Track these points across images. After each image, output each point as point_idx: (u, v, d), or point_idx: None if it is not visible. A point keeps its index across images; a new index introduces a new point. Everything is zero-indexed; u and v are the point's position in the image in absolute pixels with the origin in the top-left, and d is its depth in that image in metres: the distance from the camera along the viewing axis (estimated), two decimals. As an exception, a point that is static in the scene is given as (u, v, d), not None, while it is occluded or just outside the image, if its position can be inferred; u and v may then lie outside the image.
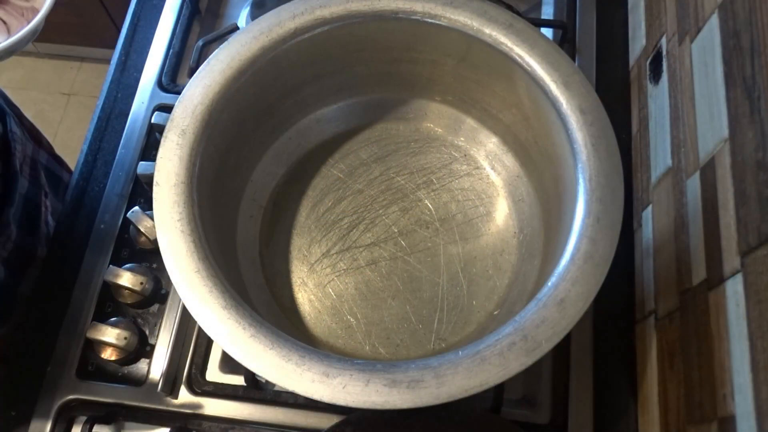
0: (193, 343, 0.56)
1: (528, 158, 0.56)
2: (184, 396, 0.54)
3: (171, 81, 0.67)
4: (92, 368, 0.55)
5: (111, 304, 0.57)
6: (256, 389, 0.54)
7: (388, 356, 0.53)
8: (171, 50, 0.68)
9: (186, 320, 0.56)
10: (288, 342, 0.40)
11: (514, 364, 0.39)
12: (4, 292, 0.60)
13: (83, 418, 0.53)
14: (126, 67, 0.68)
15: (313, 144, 0.60)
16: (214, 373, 0.56)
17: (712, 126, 0.44)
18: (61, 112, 1.55)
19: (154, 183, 0.45)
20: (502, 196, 0.58)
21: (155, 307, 0.57)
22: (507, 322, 0.41)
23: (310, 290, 0.55)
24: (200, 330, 0.56)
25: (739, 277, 0.38)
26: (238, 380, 0.55)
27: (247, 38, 0.49)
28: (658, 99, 0.56)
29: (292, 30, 0.50)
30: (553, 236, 0.50)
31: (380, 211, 0.58)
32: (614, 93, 0.64)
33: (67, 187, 0.70)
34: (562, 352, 0.55)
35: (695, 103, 0.47)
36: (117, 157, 0.63)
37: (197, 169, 0.46)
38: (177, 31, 0.69)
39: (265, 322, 0.42)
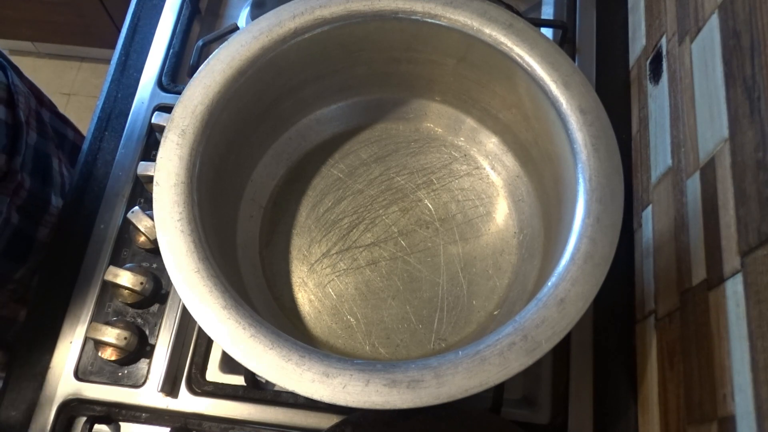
0: (193, 343, 0.56)
1: (528, 158, 0.56)
2: (184, 396, 0.54)
3: (171, 81, 0.67)
4: (92, 368, 0.55)
5: (111, 304, 0.57)
6: (256, 389, 0.54)
7: (388, 356, 0.53)
8: (171, 50, 0.68)
9: (186, 320, 0.56)
10: (288, 342, 0.40)
11: (514, 364, 0.39)
12: (21, 237, 0.63)
13: (83, 418, 0.53)
14: (126, 67, 0.68)
15: (313, 144, 0.60)
16: (214, 373, 0.56)
17: (712, 126, 0.44)
18: (60, 112, 1.55)
19: (154, 183, 0.45)
20: (502, 196, 0.58)
21: (155, 307, 0.57)
22: (507, 322, 0.41)
23: (310, 290, 0.55)
24: (200, 330, 0.56)
25: (739, 277, 0.38)
26: (238, 380, 0.55)
27: (247, 38, 0.49)
28: (658, 99, 0.56)
29: (292, 30, 0.50)
30: (553, 236, 0.50)
31: (380, 211, 0.58)
32: (614, 93, 0.64)
33: (73, 145, 0.75)
34: (562, 352, 0.55)
35: (695, 103, 0.47)
36: (117, 157, 0.63)
37: (197, 169, 0.46)
38: (177, 31, 0.69)
39: (265, 322, 0.42)
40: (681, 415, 0.45)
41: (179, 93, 0.48)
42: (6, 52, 0.67)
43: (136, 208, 0.57)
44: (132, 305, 0.57)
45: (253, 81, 0.50)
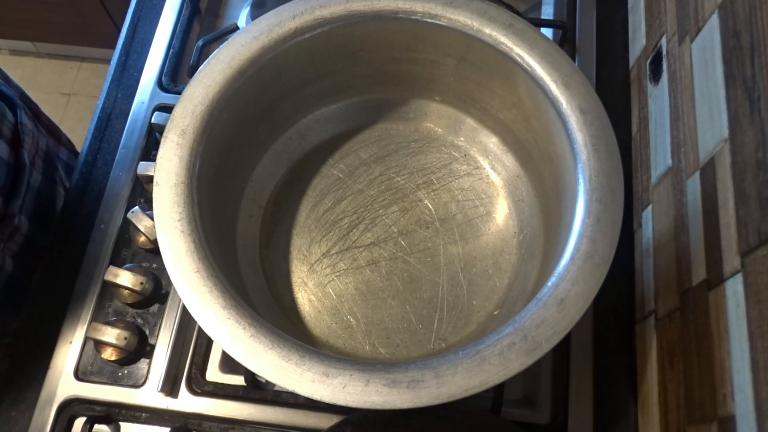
0: (193, 343, 0.56)
1: (528, 158, 0.56)
2: (184, 396, 0.54)
3: (171, 81, 0.67)
4: (92, 368, 0.55)
5: (111, 304, 0.57)
6: (256, 389, 0.54)
7: (388, 356, 0.53)
8: (171, 50, 0.68)
9: (186, 320, 0.56)
10: (288, 342, 0.40)
11: (514, 364, 0.39)
12: (15, 286, 0.60)
13: (83, 418, 0.53)
14: (126, 67, 0.68)
15: (313, 144, 0.60)
16: (214, 373, 0.56)
17: (712, 126, 0.44)
18: (61, 112, 1.55)
19: (154, 183, 0.45)
20: (502, 196, 0.58)
21: (155, 307, 0.57)
22: (507, 322, 0.41)
23: (310, 290, 0.55)
24: (200, 330, 0.56)
25: (739, 277, 0.38)
26: (238, 380, 0.55)
27: (247, 38, 0.49)
28: (658, 99, 0.56)
29: (292, 30, 0.50)
30: (553, 236, 0.50)
31: (380, 211, 0.58)
32: (614, 93, 0.64)
33: None
34: (562, 352, 0.55)
35: (695, 103, 0.47)
36: (117, 157, 0.63)
37: (197, 169, 0.46)
38: (177, 31, 0.69)
39: (265, 322, 0.42)
40: (681, 415, 0.45)
41: (179, 93, 0.49)
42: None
43: (136, 208, 0.57)
44: (132, 305, 0.57)
45: (253, 81, 0.50)
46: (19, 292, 0.61)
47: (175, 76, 0.67)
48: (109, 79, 0.67)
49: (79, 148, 0.77)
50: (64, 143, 0.72)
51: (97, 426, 0.53)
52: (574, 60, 0.67)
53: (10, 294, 0.60)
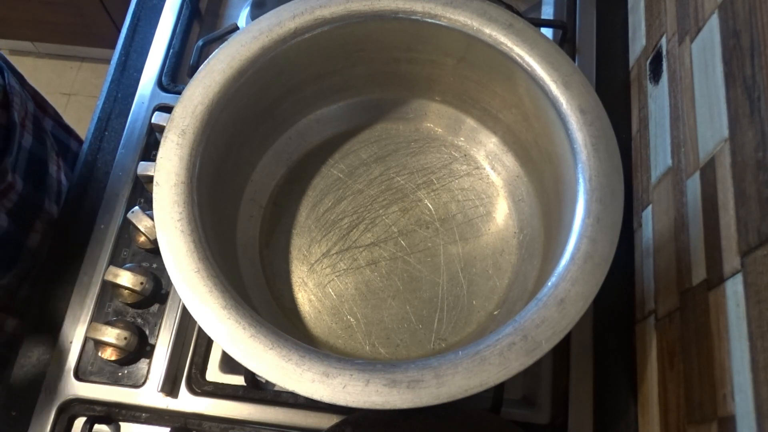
0: (193, 343, 0.56)
1: (528, 158, 0.56)
2: (184, 396, 0.54)
3: (171, 81, 0.67)
4: (92, 368, 0.55)
5: (111, 304, 0.57)
6: (256, 389, 0.54)
7: (388, 356, 0.53)
8: (171, 50, 0.68)
9: (186, 320, 0.56)
10: (288, 342, 0.40)
11: (514, 364, 0.39)
12: (9, 242, 0.61)
13: (83, 418, 0.53)
14: (126, 67, 0.68)
15: (313, 144, 0.60)
16: (214, 373, 0.56)
17: (712, 126, 0.44)
18: (61, 112, 1.54)
19: (154, 183, 0.45)
20: (502, 196, 0.58)
21: (155, 307, 0.57)
22: (507, 322, 0.41)
23: (310, 290, 0.55)
24: (200, 330, 0.56)
25: (739, 277, 0.38)
26: (238, 380, 0.55)
27: (247, 38, 0.49)
28: (658, 99, 0.56)
29: (292, 30, 0.50)
30: (553, 236, 0.50)
31: (380, 211, 0.58)
32: (614, 93, 0.64)
33: (76, 156, 0.73)
34: (562, 352, 0.55)
35: (695, 103, 0.47)
36: (117, 157, 0.63)
37: (197, 169, 0.46)
38: (177, 31, 0.69)
39: (265, 322, 0.42)
40: (681, 415, 0.45)
41: (179, 93, 0.49)
42: (6, 52, 0.67)
43: (136, 208, 0.57)
44: (132, 305, 0.57)
45: (253, 81, 0.50)
46: (12, 249, 0.62)
47: (175, 76, 0.67)
48: (109, 79, 0.67)
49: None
50: (50, 114, 0.72)
51: (97, 426, 0.53)
52: (574, 60, 0.67)
53: (3, 250, 0.61)
